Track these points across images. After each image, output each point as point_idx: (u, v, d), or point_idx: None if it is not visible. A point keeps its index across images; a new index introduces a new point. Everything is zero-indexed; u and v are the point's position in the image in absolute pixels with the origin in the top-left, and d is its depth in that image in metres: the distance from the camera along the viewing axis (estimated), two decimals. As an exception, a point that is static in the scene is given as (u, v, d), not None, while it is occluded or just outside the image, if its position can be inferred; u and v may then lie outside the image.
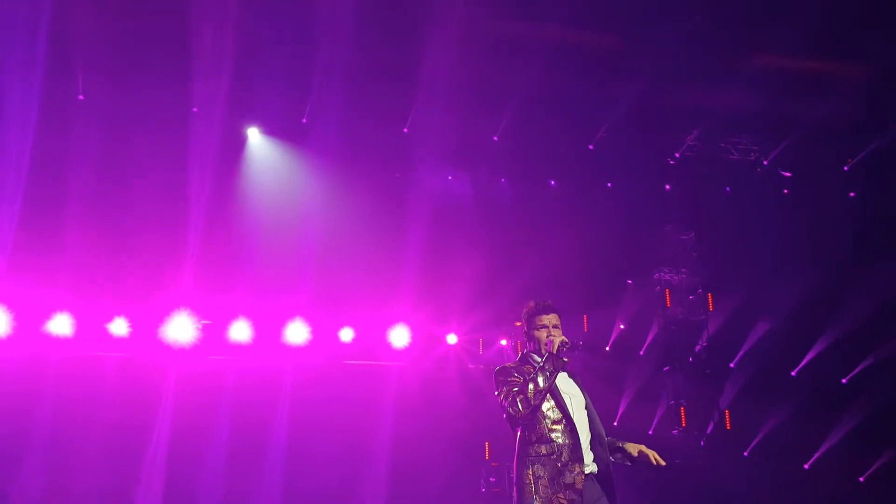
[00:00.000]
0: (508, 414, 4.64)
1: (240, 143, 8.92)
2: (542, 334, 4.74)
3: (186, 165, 8.44)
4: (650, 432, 10.08)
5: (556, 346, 4.58)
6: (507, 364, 4.80)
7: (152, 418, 8.72)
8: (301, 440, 9.11)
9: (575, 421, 4.65)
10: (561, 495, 4.46)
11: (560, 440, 4.59)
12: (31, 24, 7.41)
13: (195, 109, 8.25)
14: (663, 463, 4.64)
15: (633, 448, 4.72)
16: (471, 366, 9.67)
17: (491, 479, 9.37)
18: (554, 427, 4.63)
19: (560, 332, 4.76)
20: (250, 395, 9.08)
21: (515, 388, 4.61)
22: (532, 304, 4.89)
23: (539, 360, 4.67)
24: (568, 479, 4.50)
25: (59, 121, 8.10)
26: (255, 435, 9.06)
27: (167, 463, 8.64)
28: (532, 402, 4.56)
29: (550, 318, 4.78)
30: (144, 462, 8.60)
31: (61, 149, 8.23)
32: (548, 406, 4.66)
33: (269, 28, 7.75)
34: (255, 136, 9.00)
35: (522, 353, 4.86)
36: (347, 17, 7.48)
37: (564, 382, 4.78)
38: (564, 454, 4.56)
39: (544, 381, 4.59)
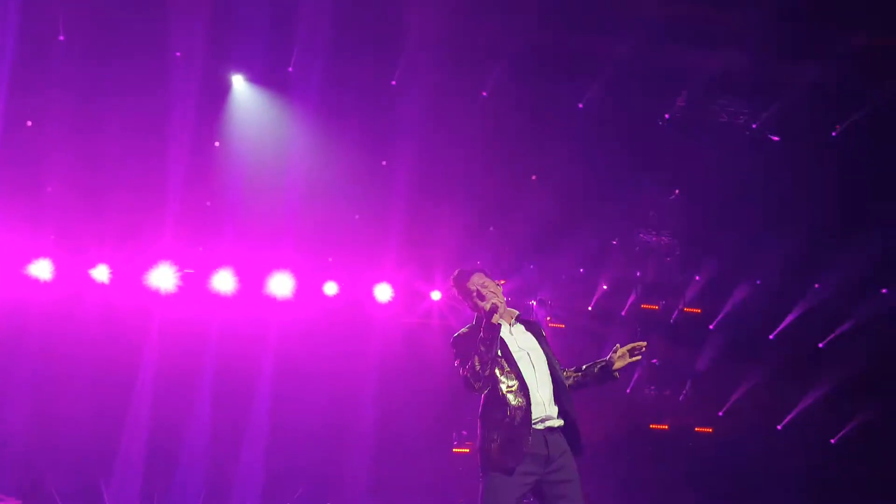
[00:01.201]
0: (466, 385, 4.61)
1: (224, 90, 8.70)
2: (478, 301, 4.66)
3: (169, 112, 8.25)
4: (628, 391, 10.13)
5: (487, 311, 4.47)
6: (462, 331, 4.76)
7: (136, 362, 8.73)
8: (286, 389, 9.18)
9: (529, 381, 4.61)
10: (511, 456, 4.47)
11: (514, 402, 4.57)
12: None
13: (178, 54, 8.03)
14: (643, 343, 4.66)
15: (611, 358, 4.66)
16: (454, 321, 9.58)
17: (463, 431, 9.45)
18: (508, 392, 4.61)
19: (491, 290, 4.68)
20: (235, 343, 9.10)
21: (468, 363, 4.55)
22: (457, 272, 4.86)
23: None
24: (518, 444, 4.50)
25: (38, 64, 7.88)
26: (240, 381, 9.13)
27: (152, 406, 8.66)
28: (482, 374, 4.52)
29: (477, 280, 4.75)
30: (130, 404, 8.60)
31: (41, 93, 8.02)
32: (502, 371, 4.64)
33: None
34: (239, 84, 8.78)
35: (476, 316, 4.75)
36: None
37: (522, 337, 4.78)
38: (518, 417, 4.55)
39: (485, 349, 4.51)
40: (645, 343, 4.74)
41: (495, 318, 4.49)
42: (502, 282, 4.90)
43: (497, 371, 4.60)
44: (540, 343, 4.81)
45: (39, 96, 8.06)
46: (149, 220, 8.77)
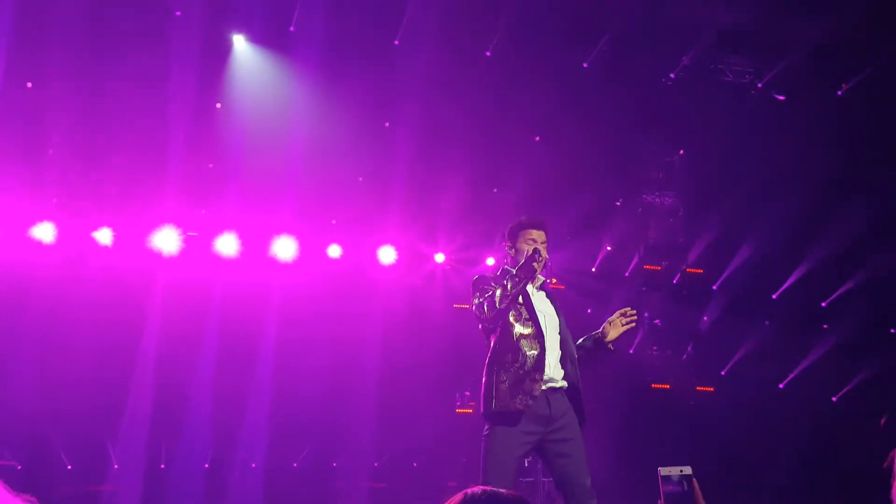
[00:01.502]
0: (477, 316, 4.77)
1: (225, 51, 8.56)
2: (526, 247, 4.79)
3: (169, 74, 8.09)
4: (631, 351, 10.17)
5: (528, 255, 4.65)
6: (486, 274, 4.94)
7: (141, 324, 8.71)
8: (291, 350, 9.21)
9: (545, 336, 4.73)
10: (519, 398, 4.57)
11: (526, 350, 4.68)
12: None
13: (178, 13, 7.86)
14: (632, 311, 4.76)
15: (604, 329, 4.75)
16: (457, 283, 9.68)
17: (466, 392, 9.54)
18: (522, 338, 4.72)
19: (545, 248, 4.81)
20: (239, 305, 9.09)
21: (488, 294, 4.71)
22: (523, 218, 4.96)
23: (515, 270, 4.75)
24: (527, 386, 4.60)
25: (38, 26, 7.71)
26: (245, 343, 9.17)
27: (156, 367, 8.66)
28: (498, 306, 4.65)
29: (539, 235, 4.86)
30: (135, 365, 8.60)
31: (41, 55, 7.88)
32: (519, 318, 4.75)
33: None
34: (240, 44, 8.64)
35: (503, 267, 4.93)
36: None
37: (541, 302, 4.89)
38: (528, 363, 4.65)
39: (512, 286, 4.65)
40: (635, 311, 4.80)
41: (537, 263, 4.64)
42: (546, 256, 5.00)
43: (513, 317, 4.73)
44: (557, 315, 4.90)
45: (39, 58, 7.86)
46: (151, 183, 8.70)
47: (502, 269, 4.92)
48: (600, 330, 4.85)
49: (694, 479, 2.34)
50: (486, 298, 4.73)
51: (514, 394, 4.64)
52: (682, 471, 2.35)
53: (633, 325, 4.90)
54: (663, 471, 2.35)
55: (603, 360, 5.08)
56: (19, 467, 8.30)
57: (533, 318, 4.80)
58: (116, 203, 8.77)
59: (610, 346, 4.87)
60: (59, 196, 8.63)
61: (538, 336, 4.75)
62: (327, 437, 9.32)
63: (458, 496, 2.04)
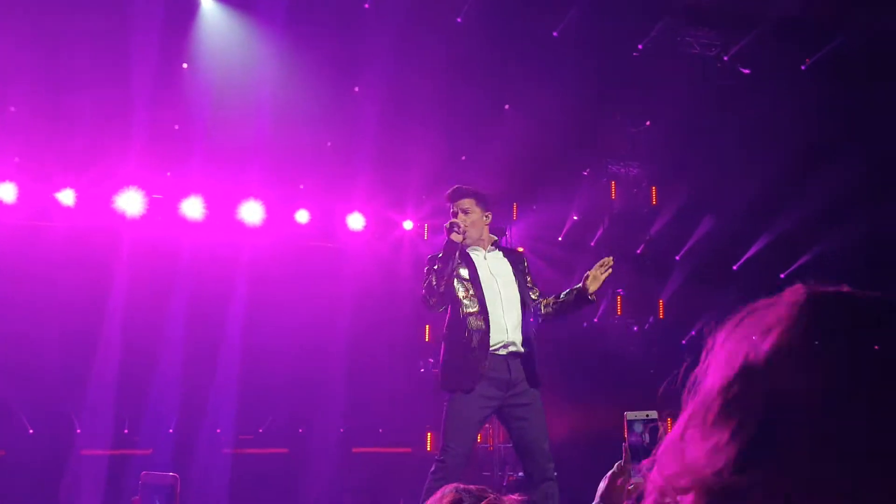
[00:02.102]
0: (423, 300, 4.91)
1: (192, 9, 8.34)
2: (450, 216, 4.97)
3: (133, 32, 7.82)
4: (595, 320, 10.25)
5: (446, 230, 4.80)
6: (438, 254, 4.95)
7: (106, 287, 8.58)
8: (259, 315, 9.12)
9: (491, 306, 4.82)
10: (466, 379, 4.71)
11: (473, 324, 4.78)
12: None
13: None
14: (610, 260, 4.86)
15: (585, 284, 4.82)
16: (425, 249, 9.51)
17: (430, 359, 9.52)
18: (468, 314, 4.83)
19: (468, 216, 4.92)
20: (206, 270, 8.98)
21: (427, 280, 4.87)
22: (451, 190, 5.10)
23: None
24: (477, 362, 4.72)
25: None
26: (212, 307, 9.04)
27: (122, 331, 8.53)
28: (436, 290, 4.77)
29: (457, 205, 4.97)
30: (101, 329, 8.50)
31: None
32: (466, 294, 4.86)
33: None
34: (207, 3, 8.38)
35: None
36: None
37: (496, 263, 5.00)
38: (475, 339, 4.75)
39: (441, 265, 4.77)
40: (611, 258, 4.90)
41: (452, 236, 4.74)
42: (489, 214, 5.19)
43: (461, 293, 4.81)
44: (515, 271, 5.00)
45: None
46: (115, 144, 8.48)
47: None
48: (581, 284, 4.87)
49: (659, 425, 2.29)
50: (426, 286, 4.87)
51: (462, 371, 4.77)
52: (647, 415, 2.32)
53: (610, 272, 4.94)
54: (629, 415, 2.32)
55: (584, 309, 5.17)
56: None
57: (477, 292, 4.88)
58: (80, 163, 8.54)
59: (592, 296, 4.89)
60: (21, 154, 8.47)
61: (482, 312, 4.83)
62: (296, 399, 9.28)
63: (444, 495, 2.06)
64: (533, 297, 5.10)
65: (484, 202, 5.08)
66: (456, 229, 4.81)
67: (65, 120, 8.21)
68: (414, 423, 9.12)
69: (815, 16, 8.69)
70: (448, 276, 4.81)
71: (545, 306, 5.06)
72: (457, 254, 4.83)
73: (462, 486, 2.11)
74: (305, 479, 8.61)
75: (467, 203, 4.99)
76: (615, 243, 10.29)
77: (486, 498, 2.05)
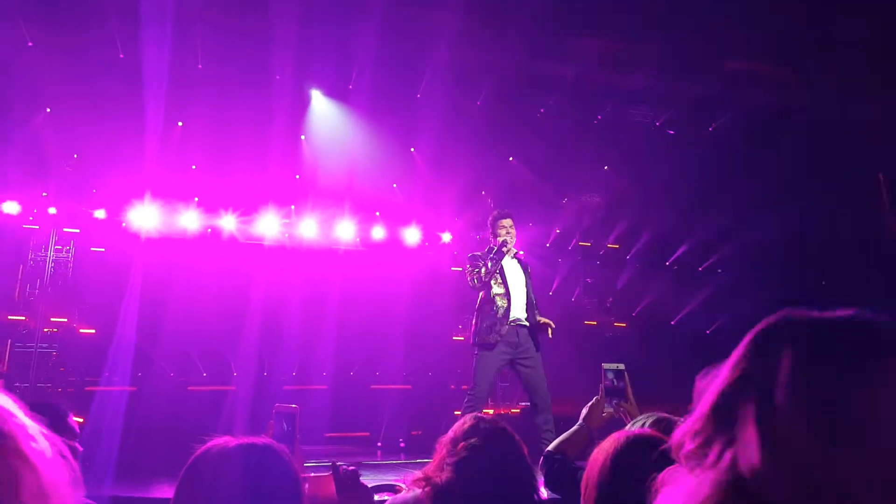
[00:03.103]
0: (469, 282, 5.10)
1: (307, 99, 8.96)
2: (502, 231, 5.11)
3: (274, 115, 8.48)
4: (572, 299, 10.73)
5: (500, 244, 5.05)
6: (476, 252, 5.30)
7: (248, 284, 8.88)
8: (350, 301, 9.24)
9: (512, 293, 5.05)
10: (491, 337, 4.97)
11: (500, 302, 5.04)
12: None
13: (278, 77, 8.39)
14: (552, 325, 5.04)
15: (543, 322, 5.16)
16: (460, 255, 9.78)
17: (459, 325, 9.92)
18: (496, 294, 5.05)
19: (513, 233, 5.10)
20: (313, 273, 9.20)
21: (475, 269, 5.04)
22: (496, 212, 5.32)
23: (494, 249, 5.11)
24: (497, 327, 4.97)
25: (179, 93, 8.11)
26: (318, 298, 9.12)
27: (262, 312, 8.76)
28: (483, 279, 5.00)
29: (508, 222, 5.20)
30: (248, 302, 8.67)
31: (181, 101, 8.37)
32: (496, 282, 5.07)
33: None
34: (317, 97, 9.00)
35: (488, 246, 5.26)
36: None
37: (513, 268, 5.16)
38: (500, 312, 5.01)
39: (492, 265, 5.01)
40: (553, 325, 4.99)
41: (505, 249, 5.11)
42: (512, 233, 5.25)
43: (493, 281, 5.14)
44: (524, 275, 5.24)
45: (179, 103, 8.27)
46: (260, 185, 9.07)
47: (488, 248, 5.24)
48: (540, 320, 5.08)
49: (625, 373, 2.35)
50: (476, 272, 5.01)
51: (488, 332, 4.99)
52: (618, 366, 2.36)
53: (553, 325, 5.00)
54: (605, 366, 2.37)
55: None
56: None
57: (504, 282, 5.05)
58: (239, 198, 9.13)
59: (549, 332, 5.09)
60: (201, 194, 9.14)
61: (507, 294, 5.03)
62: (372, 357, 9.59)
63: (465, 421, 2.04)
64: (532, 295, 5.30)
65: (516, 220, 5.34)
66: (506, 246, 4.99)
67: (239, 168, 8.87)
68: (451, 370, 9.65)
69: (716, 94, 9.17)
70: (493, 273, 5.01)
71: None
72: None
73: (479, 414, 2.05)
74: (380, 407, 9.16)
75: (510, 222, 5.17)
76: (584, 247, 10.78)
77: (499, 424, 2.00)
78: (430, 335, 9.85)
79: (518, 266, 5.25)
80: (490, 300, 5.04)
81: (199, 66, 8.42)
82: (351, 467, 1.93)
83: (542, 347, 5.12)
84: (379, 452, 8.53)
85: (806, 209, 9.28)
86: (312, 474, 2.20)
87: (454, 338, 10.00)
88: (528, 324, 5.07)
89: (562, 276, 10.70)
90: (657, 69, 8.69)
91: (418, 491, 1.95)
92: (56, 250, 9.15)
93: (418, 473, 2.03)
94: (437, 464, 2.01)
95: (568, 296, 10.62)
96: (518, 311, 5.04)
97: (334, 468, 1.93)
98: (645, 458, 1.23)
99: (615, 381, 2.32)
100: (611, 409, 2.29)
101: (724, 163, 9.70)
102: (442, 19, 7.67)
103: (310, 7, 7.88)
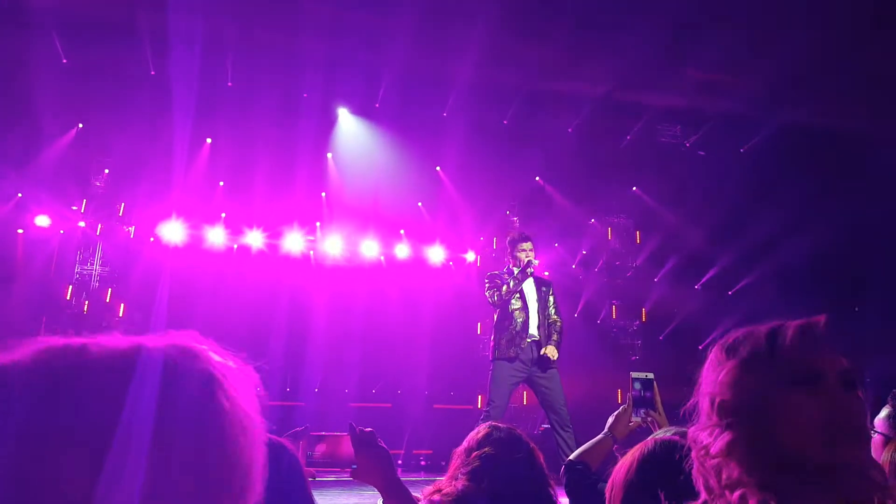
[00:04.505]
0: (489, 300, 5.11)
1: (334, 118, 9.17)
2: (521, 256, 5.09)
3: (300, 134, 8.69)
4: (598, 321, 10.70)
5: (522, 265, 5.07)
6: (494, 271, 5.30)
7: (274, 295, 9.13)
8: (375, 314, 9.46)
9: (529, 309, 5.08)
10: (511, 351, 4.96)
11: (518, 319, 5.04)
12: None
13: (305, 95, 8.64)
14: (552, 356, 5.02)
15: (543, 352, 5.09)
16: (483, 272, 8.96)
17: (481, 344, 9.84)
18: (515, 309, 5.05)
19: (533, 254, 5.13)
20: (341, 287, 9.49)
21: (494, 287, 5.06)
22: (516, 234, 5.29)
23: (516, 269, 5.13)
24: (517, 341, 4.98)
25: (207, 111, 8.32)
26: (345, 309, 9.35)
27: (287, 322, 9.07)
28: (503, 297, 5.03)
29: (528, 244, 5.20)
30: (273, 319, 8.94)
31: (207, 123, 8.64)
32: (515, 298, 5.08)
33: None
34: (343, 114, 9.17)
35: (507, 266, 5.24)
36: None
37: (529, 287, 5.17)
38: (518, 326, 5.02)
39: (513, 284, 5.04)
40: (553, 356, 4.95)
41: (529, 270, 5.11)
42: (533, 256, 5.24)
43: (513, 298, 5.12)
44: (539, 294, 5.23)
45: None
46: (287, 203, 9.30)
47: (507, 269, 5.20)
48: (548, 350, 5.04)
49: (654, 383, 2.22)
50: (496, 290, 5.03)
51: (508, 346, 4.94)
52: (646, 375, 2.24)
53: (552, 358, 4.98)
54: (633, 374, 2.26)
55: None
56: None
57: (522, 300, 5.05)
58: (262, 213, 9.32)
59: (555, 362, 5.02)
60: (226, 210, 9.37)
61: (524, 311, 5.02)
62: (396, 372, 9.76)
63: (479, 430, 2.00)
64: (551, 312, 5.25)
65: (534, 243, 5.29)
66: (529, 268, 4.99)
67: (266, 185, 9.19)
68: (472, 388, 9.57)
69: (750, 113, 9.09)
70: (513, 292, 5.03)
71: (555, 323, 5.25)
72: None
73: (493, 423, 2.01)
74: (401, 425, 9.02)
75: (530, 245, 5.15)
76: (612, 267, 10.64)
77: (514, 432, 1.95)
78: (455, 355, 9.93)
79: (533, 284, 5.25)
80: (508, 315, 5.08)
81: (229, 84, 8.65)
82: (368, 429, 1.88)
83: (558, 364, 5.08)
84: (399, 470, 8.24)
85: (839, 230, 9.20)
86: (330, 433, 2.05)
87: (478, 356, 10.01)
88: (543, 341, 5.08)
89: (587, 298, 10.76)
90: (687, 89, 8.70)
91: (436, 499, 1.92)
92: (80, 262, 9.29)
93: (432, 486, 1.99)
94: (451, 474, 1.99)
95: (594, 316, 10.64)
96: (534, 327, 5.08)
97: (351, 428, 1.89)
98: (673, 462, 1.24)
99: (643, 391, 2.26)
100: (638, 419, 2.23)
101: (751, 186, 9.63)
102: (468, 38, 7.77)
103: (337, 26, 8.05)
